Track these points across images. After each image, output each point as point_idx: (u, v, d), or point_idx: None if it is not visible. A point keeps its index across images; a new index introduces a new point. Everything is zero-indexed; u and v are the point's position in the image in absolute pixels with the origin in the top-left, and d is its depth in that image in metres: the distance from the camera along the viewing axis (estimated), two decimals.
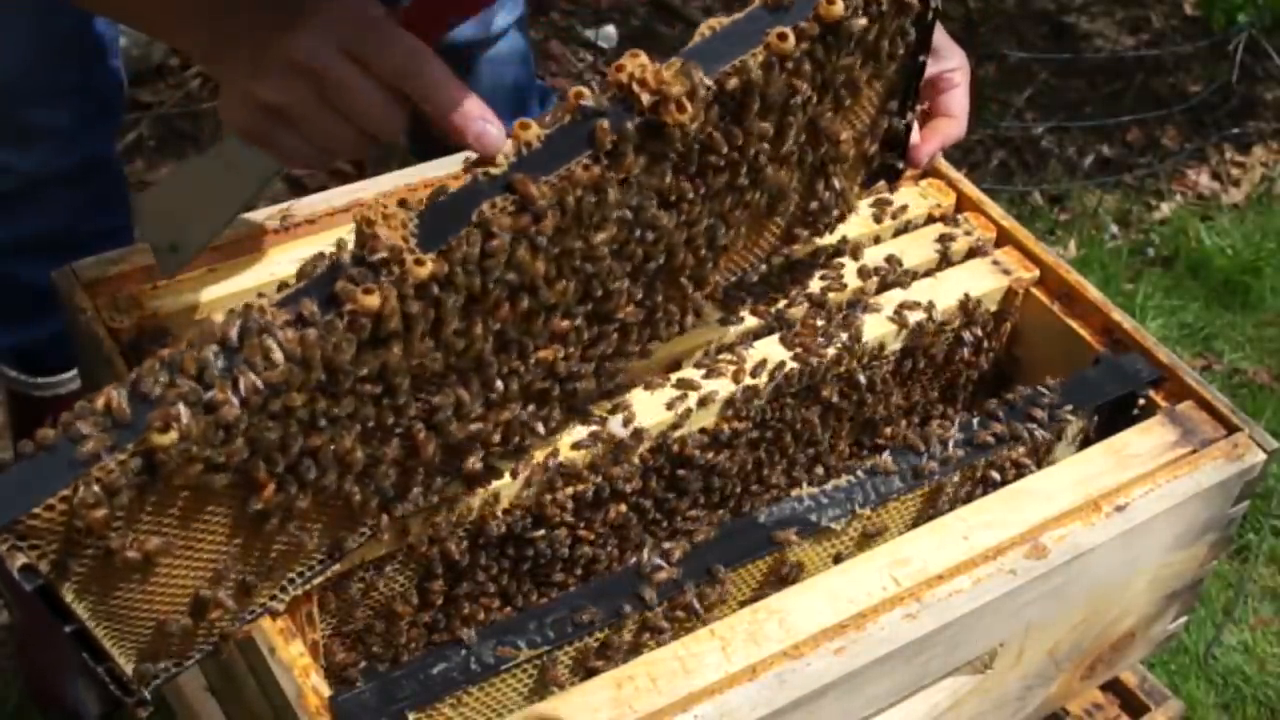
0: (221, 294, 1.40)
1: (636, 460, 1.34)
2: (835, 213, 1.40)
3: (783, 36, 1.11)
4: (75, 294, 1.37)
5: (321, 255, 1.03)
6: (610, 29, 3.33)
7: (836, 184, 1.35)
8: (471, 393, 1.14)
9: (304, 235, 1.47)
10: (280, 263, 1.43)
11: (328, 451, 1.06)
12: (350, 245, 1.03)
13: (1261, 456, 1.39)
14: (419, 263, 1.00)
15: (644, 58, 1.08)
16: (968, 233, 1.59)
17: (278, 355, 0.97)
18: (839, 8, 1.13)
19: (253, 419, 0.99)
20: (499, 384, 1.16)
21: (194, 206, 1.28)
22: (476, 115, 1.07)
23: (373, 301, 0.99)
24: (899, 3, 1.20)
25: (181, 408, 0.95)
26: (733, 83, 1.11)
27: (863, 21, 1.17)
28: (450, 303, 1.05)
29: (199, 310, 1.38)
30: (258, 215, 1.48)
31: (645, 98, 1.06)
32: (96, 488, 0.94)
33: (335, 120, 1.09)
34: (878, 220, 1.57)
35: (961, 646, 1.29)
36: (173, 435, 0.94)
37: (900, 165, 1.42)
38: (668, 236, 1.18)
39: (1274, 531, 2.42)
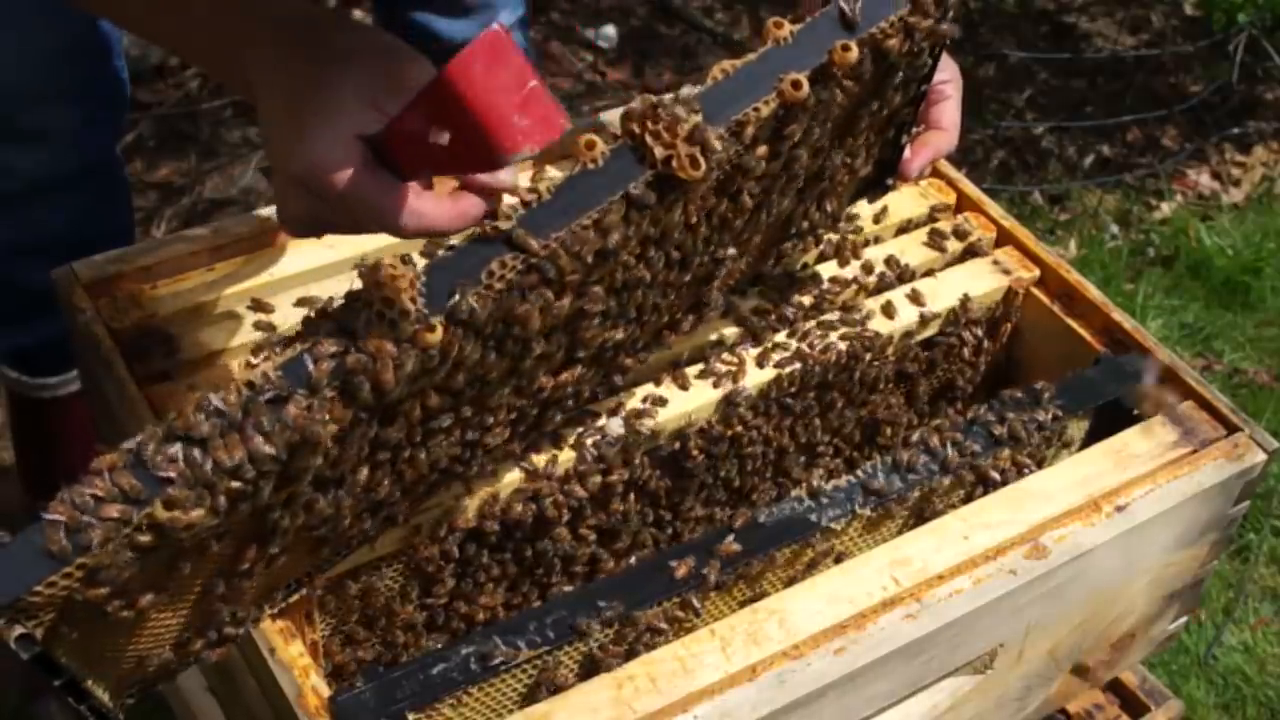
0: (220, 294, 1.40)
1: (636, 460, 1.34)
2: (823, 230, 1.39)
3: (797, 85, 1.07)
4: (75, 294, 1.37)
5: (324, 313, 1.00)
6: (610, 29, 3.33)
7: (829, 206, 1.35)
8: (465, 426, 1.13)
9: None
10: (280, 263, 1.43)
11: (322, 504, 1.05)
12: (358, 305, 0.99)
13: (1262, 456, 1.39)
14: (430, 329, 0.97)
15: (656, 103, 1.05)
16: (968, 233, 1.59)
17: (282, 432, 0.95)
18: (854, 54, 1.09)
19: (258, 488, 0.97)
20: (488, 418, 1.14)
21: None
22: (476, 217, 1.04)
23: (387, 376, 0.97)
24: (912, 43, 1.17)
25: (187, 488, 0.93)
26: (747, 132, 1.07)
27: (874, 64, 1.14)
28: (457, 358, 1.02)
29: (198, 310, 1.39)
30: (257, 215, 1.48)
31: (659, 151, 1.03)
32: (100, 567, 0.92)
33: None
34: (877, 220, 1.57)
35: (961, 647, 1.29)
36: (178, 513, 0.92)
37: (890, 181, 1.41)
38: (665, 278, 1.17)
39: (1274, 531, 2.42)
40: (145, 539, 0.92)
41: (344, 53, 1.02)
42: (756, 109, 1.07)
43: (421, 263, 1.00)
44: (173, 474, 0.93)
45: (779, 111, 1.08)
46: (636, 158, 1.03)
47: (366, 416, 1.00)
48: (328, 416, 0.96)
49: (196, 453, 0.93)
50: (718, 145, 1.05)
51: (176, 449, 0.93)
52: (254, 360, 0.98)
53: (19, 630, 0.92)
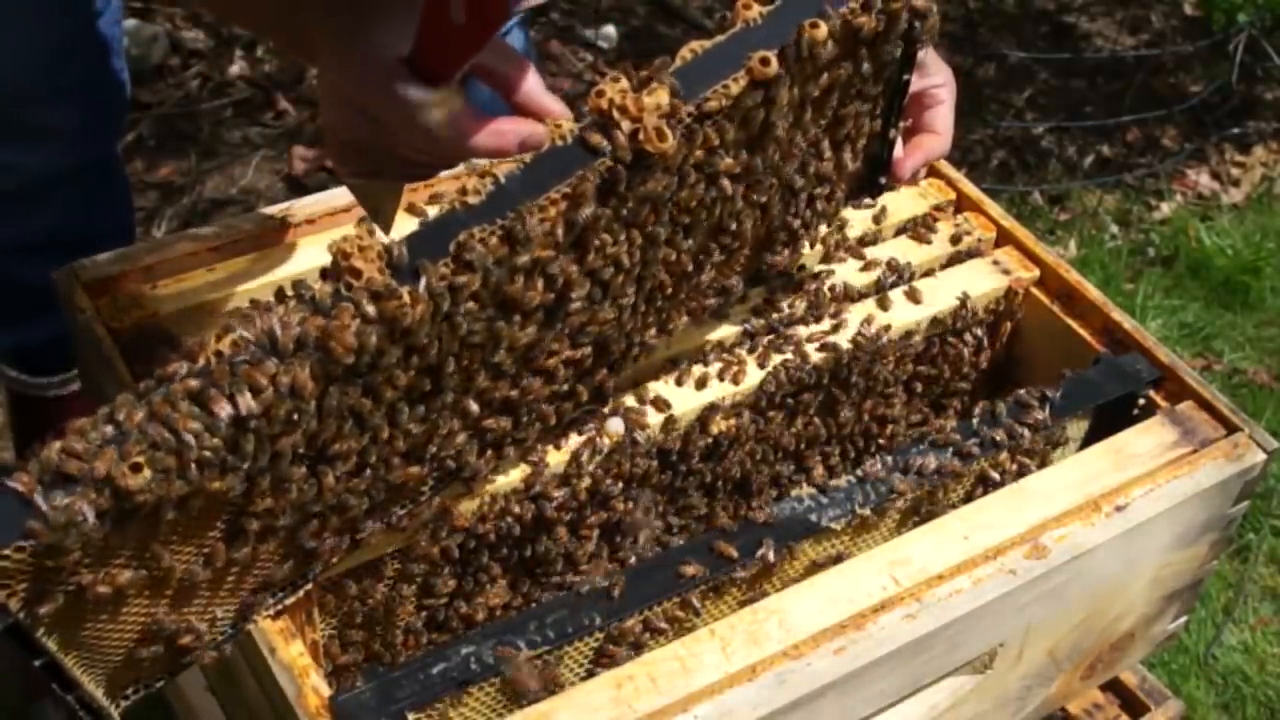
0: (221, 294, 1.40)
1: (637, 460, 1.34)
2: (816, 229, 1.39)
3: (765, 61, 1.08)
4: (75, 294, 1.37)
5: (300, 284, 1.01)
6: (610, 29, 3.33)
7: (819, 205, 1.35)
8: (445, 410, 1.13)
9: (304, 235, 1.47)
10: (280, 263, 1.43)
11: (301, 486, 1.05)
12: (327, 278, 1.00)
13: (1261, 456, 1.39)
14: (395, 299, 0.98)
15: (625, 82, 1.06)
16: (967, 232, 1.59)
17: (248, 394, 0.96)
18: (822, 31, 1.10)
19: (229, 456, 0.97)
20: (472, 404, 1.14)
21: (371, 188, 1.30)
22: (512, 141, 1.09)
23: (349, 340, 0.97)
24: (887, 25, 1.18)
25: (151, 449, 0.93)
26: (713, 106, 1.08)
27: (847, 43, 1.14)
28: (425, 331, 1.03)
29: (198, 310, 1.38)
30: (258, 215, 1.48)
31: (625, 125, 1.04)
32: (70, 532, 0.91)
33: (411, 166, 1.17)
34: (877, 220, 1.57)
35: (961, 646, 1.29)
36: (144, 476, 0.92)
37: (882, 181, 1.41)
38: (647, 261, 1.17)
39: (1274, 531, 2.42)
40: (111, 504, 0.92)
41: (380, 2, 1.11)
42: (726, 86, 1.08)
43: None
44: (139, 440, 0.93)
45: (748, 89, 1.09)
46: (604, 134, 1.04)
47: (337, 386, 1.00)
48: (294, 382, 0.97)
49: (161, 424, 0.94)
50: (684, 117, 1.05)
51: (143, 415, 0.94)
52: (225, 330, 0.98)
53: None
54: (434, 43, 1.07)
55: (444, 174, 1.50)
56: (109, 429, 0.94)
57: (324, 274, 1.00)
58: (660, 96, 1.05)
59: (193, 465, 0.95)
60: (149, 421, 0.94)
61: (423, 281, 1.00)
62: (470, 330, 1.05)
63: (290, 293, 1.00)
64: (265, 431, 0.98)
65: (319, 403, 1.00)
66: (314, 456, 1.05)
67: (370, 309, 0.98)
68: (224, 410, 0.95)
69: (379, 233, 1.05)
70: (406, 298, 0.99)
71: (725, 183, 1.15)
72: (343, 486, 1.09)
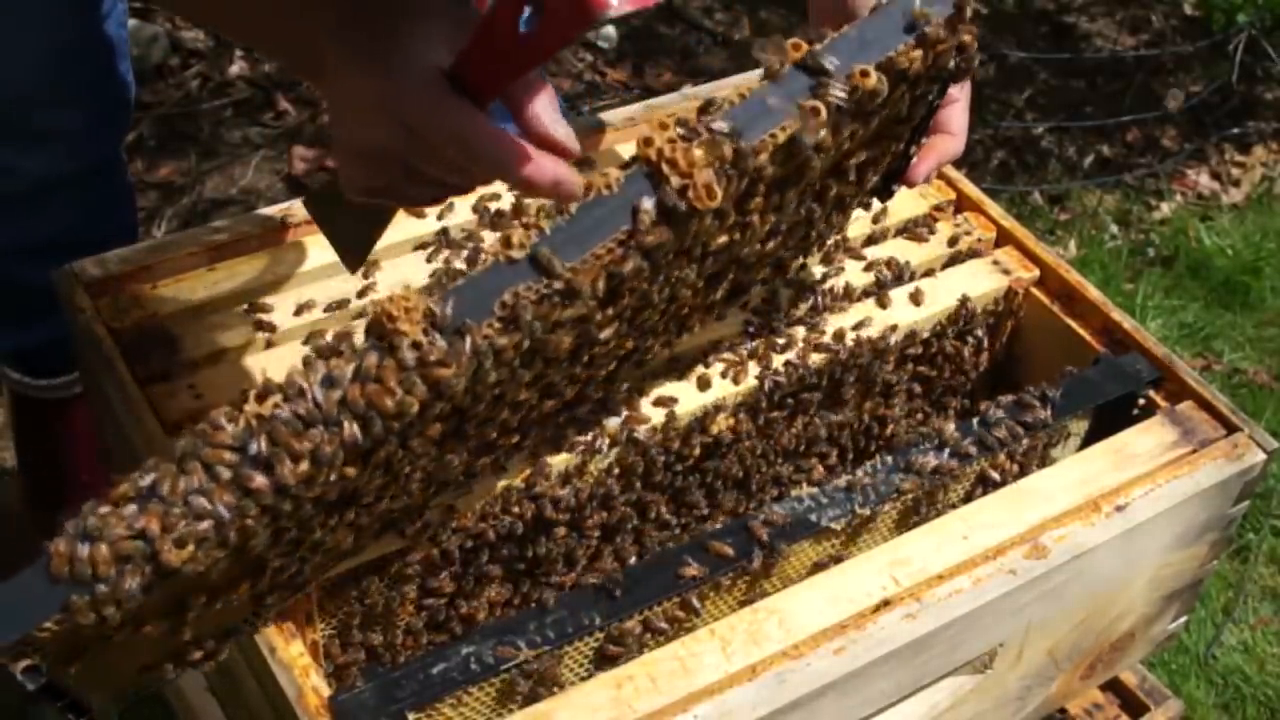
0: (221, 294, 1.40)
1: (637, 460, 1.34)
2: (828, 240, 1.39)
3: (815, 111, 1.04)
4: (75, 294, 1.37)
5: (343, 337, 0.99)
6: (610, 29, 3.33)
7: (834, 218, 1.35)
8: (469, 451, 1.12)
9: (305, 235, 1.47)
10: (280, 263, 1.43)
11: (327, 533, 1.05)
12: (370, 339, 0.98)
13: (1261, 456, 1.39)
14: (443, 365, 0.95)
15: (672, 130, 1.02)
16: (967, 232, 1.59)
17: (291, 461, 0.94)
18: (873, 79, 1.05)
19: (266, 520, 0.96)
20: (491, 434, 1.13)
21: (348, 216, 1.27)
22: (549, 177, 1.04)
23: (392, 407, 0.95)
24: (934, 64, 1.13)
25: (194, 521, 0.92)
26: (762, 161, 1.04)
27: (898, 88, 1.11)
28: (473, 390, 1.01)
29: (198, 310, 1.39)
30: (258, 215, 1.48)
31: (675, 180, 1.00)
32: (112, 607, 0.91)
33: (431, 187, 1.13)
34: (877, 220, 1.58)
35: (961, 646, 1.29)
36: (189, 550, 0.91)
37: (894, 187, 1.40)
38: (675, 295, 1.16)
39: (1274, 531, 2.42)
40: (154, 577, 0.91)
41: (412, 6, 1.07)
42: (774, 135, 1.04)
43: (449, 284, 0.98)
44: (183, 515, 0.91)
45: (794, 136, 1.05)
46: (652, 185, 1.00)
47: (381, 446, 0.98)
48: (340, 448, 0.94)
49: (202, 496, 0.92)
50: (734, 176, 1.02)
51: (184, 486, 0.92)
52: (266, 392, 0.96)
53: (25, 662, 0.91)
54: (486, 58, 1.01)
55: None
56: (150, 500, 0.92)
57: (366, 334, 0.97)
58: (711, 151, 1.01)
59: (233, 534, 0.93)
60: (190, 494, 0.92)
61: (468, 343, 0.96)
62: (500, 380, 1.03)
63: (330, 351, 0.98)
64: (304, 495, 0.96)
65: (362, 462, 0.98)
66: (341, 503, 1.04)
67: (415, 372, 0.95)
68: (265, 483, 0.93)
69: (419, 288, 1.01)
70: (452, 364, 0.96)
71: (755, 219, 1.14)
72: (361, 520, 1.09)
